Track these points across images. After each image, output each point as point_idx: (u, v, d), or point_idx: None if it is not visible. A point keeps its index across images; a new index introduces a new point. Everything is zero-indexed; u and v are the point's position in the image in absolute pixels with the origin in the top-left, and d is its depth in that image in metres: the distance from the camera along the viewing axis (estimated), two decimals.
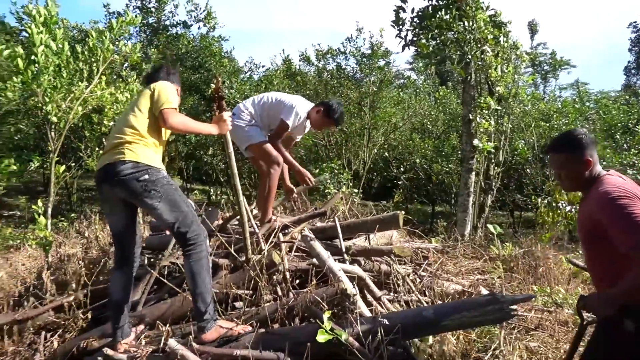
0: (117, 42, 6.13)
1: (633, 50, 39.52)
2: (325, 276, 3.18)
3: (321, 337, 2.06)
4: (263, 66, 14.64)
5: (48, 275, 4.08)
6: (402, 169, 12.97)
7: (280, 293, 3.21)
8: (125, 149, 2.68)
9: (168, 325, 2.76)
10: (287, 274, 3.27)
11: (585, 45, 78.59)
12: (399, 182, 13.20)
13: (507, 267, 6.05)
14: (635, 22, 40.00)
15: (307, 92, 12.23)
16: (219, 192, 14.77)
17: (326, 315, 2.14)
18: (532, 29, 40.74)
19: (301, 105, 4.18)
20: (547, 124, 12.12)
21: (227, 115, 3.05)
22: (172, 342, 2.48)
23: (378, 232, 4.34)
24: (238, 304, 3.14)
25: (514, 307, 2.52)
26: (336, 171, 8.46)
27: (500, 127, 9.80)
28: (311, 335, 2.37)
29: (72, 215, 8.72)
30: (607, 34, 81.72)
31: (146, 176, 2.66)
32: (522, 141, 11.51)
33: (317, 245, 3.24)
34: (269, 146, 4.13)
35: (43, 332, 3.39)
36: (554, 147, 2.26)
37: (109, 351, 2.58)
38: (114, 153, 2.69)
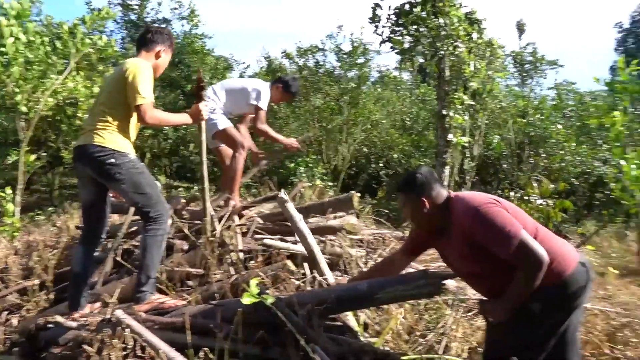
0: (92, 37, 6.25)
1: (618, 50, 40.06)
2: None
3: (246, 300, 2.20)
4: (243, 63, 14.77)
5: (14, 261, 4.21)
6: (381, 165, 13.15)
7: (232, 272, 3.35)
8: (94, 134, 2.90)
9: (115, 297, 2.88)
10: (240, 255, 3.42)
11: (575, 45, 79.36)
12: (382, 179, 13.37)
13: None
14: (620, 22, 40.64)
15: None
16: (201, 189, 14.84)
17: (254, 281, 2.28)
18: (520, 28, 41.08)
19: (264, 88, 4.44)
20: (524, 120, 12.34)
21: (203, 105, 3.20)
22: (119, 312, 2.62)
23: (337, 219, 4.51)
24: (190, 282, 3.29)
25: (445, 282, 2.66)
26: (311, 165, 8.61)
27: (475, 123, 10.01)
28: (249, 306, 2.52)
29: (50, 209, 8.79)
30: (596, 34, 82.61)
31: (112, 160, 2.87)
32: (498, 137, 11.73)
33: (291, 207, 3.39)
34: (234, 130, 4.42)
35: (3, 313, 3.52)
36: (397, 187, 2.46)
37: (58, 318, 2.71)
38: (86, 136, 2.95)
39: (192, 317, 2.57)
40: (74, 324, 2.72)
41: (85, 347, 2.50)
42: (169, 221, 3.14)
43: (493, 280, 2.26)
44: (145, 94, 2.86)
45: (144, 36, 3.21)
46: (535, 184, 7.25)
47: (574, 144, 11.23)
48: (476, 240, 2.16)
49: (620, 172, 3.90)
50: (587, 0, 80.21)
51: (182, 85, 12.09)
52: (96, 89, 6.90)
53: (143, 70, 2.92)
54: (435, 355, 2.92)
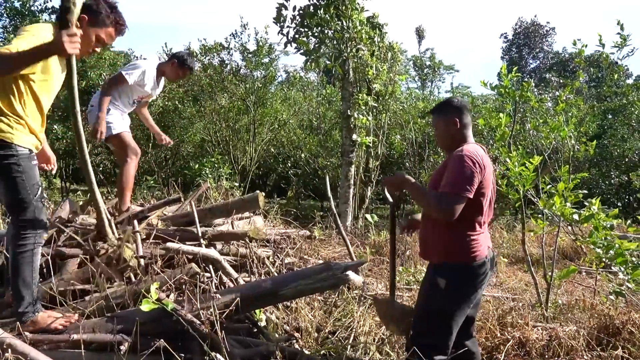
0: None
1: (504, 58, 43.75)
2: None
3: (145, 307, 2.10)
4: (144, 58, 14.06)
5: None
6: (290, 165, 13.22)
7: (133, 279, 3.17)
8: None
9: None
10: (142, 261, 3.25)
11: (470, 52, 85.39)
12: (291, 179, 13.45)
13: (375, 251, 6.47)
14: (506, 33, 44.36)
15: (193, 87, 12.00)
16: (104, 192, 13.96)
17: (154, 286, 2.18)
18: (420, 34, 43.43)
19: (146, 63, 4.25)
20: (424, 121, 13.05)
21: (68, 34, 2.24)
22: None
23: (243, 220, 4.46)
24: (87, 297, 3.05)
25: (347, 272, 2.73)
26: (217, 165, 8.42)
27: (379, 123, 10.39)
28: (152, 314, 2.40)
29: None
30: (488, 42, 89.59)
31: None
32: (398, 136, 12.29)
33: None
34: (127, 137, 4.17)
35: None
36: (432, 109, 2.68)
37: None
38: None
39: (88, 331, 2.40)
40: None
41: None
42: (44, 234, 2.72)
43: (432, 226, 2.49)
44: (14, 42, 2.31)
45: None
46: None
47: None
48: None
49: (506, 169, 4.23)
50: (480, 9, 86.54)
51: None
52: None
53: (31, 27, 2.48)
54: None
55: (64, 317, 2.65)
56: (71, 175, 14.72)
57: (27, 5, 12.39)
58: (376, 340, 3.41)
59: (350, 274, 2.82)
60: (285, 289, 2.62)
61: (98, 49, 2.80)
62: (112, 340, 2.46)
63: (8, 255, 2.70)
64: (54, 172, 3.17)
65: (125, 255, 3.14)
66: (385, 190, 2.98)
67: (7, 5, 11.91)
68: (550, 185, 4.60)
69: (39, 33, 2.42)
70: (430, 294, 2.48)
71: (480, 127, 12.93)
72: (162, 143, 4.80)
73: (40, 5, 12.93)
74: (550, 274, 4.18)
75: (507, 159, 4.24)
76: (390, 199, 2.94)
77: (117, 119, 4.13)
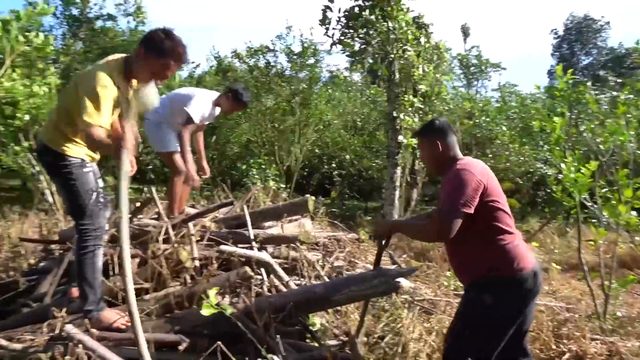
0: (27, 33, 5.94)
1: (555, 55, 42.26)
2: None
3: (205, 311, 2.18)
4: (192, 62, 14.50)
5: None
6: (334, 165, 13.25)
7: (188, 280, 3.28)
8: (44, 130, 2.85)
9: (65, 311, 2.75)
10: (197, 262, 3.36)
11: (517, 49, 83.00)
12: (335, 180, 13.48)
13: (421, 256, 6.41)
14: (556, 29, 42.83)
15: None
16: (155, 191, 14.46)
17: (212, 291, 2.25)
18: (465, 32, 42.51)
19: (203, 98, 4.37)
20: (471, 122, 12.80)
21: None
22: (70, 328, 2.51)
23: (292, 223, 4.52)
24: (147, 297, 3.18)
25: (399, 280, 2.73)
26: (263, 166, 8.56)
27: None
28: (207, 316, 2.48)
29: None
30: (536, 39, 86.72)
31: (49, 158, 2.76)
32: None
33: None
34: (176, 157, 4.35)
35: None
36: (414, 133, 2.66)
37: (2, 342, 2.57)
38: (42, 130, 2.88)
39: (149, 330, 2.50)
40: (18, 346, 2.57)
41: None
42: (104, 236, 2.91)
43: (464, 251, 2.37)
44: (91, 110, 2.50)
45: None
46: None
47: (518, 145, 11.76)
48: None
49: (560, 174, 4.10)
50: (527, 5, 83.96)
51: None
52: (36, 88, 6.58)
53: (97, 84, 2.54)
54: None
55: (126, 315, 2.78)
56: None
57: (84, 12, 12.98)
58: (426, 347, 3.38)
59: (401, 280, 2.80)
60: (337, 295, 2.64)
61: (160, 81, 2.81)
62: (171, 340, 2.57)
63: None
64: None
65: (181, 257, 3.25)
66: (374, 236, 2.83)
67: (67, 13, 12.48)
68: (606, 190, 4.44)
69: (109, 97, 2.57)
70: (471, 313, 2.36)
71: (535, 130, 12.62)
72: (201, 172, 4.69)
73: (96, 12, 13.56)
74: (608, 283, 4.02)
75: (562, 164, 4.11)
76: (381, 242, 2.81)
77: (167, 138, 4.35)
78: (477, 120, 12.61)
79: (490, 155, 11.71)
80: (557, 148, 4.29)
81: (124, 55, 2.79)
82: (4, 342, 2.59)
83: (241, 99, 4.42)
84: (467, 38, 42.35)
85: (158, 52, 2.61)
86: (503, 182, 7.96)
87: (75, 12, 13.20)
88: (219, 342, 2.37)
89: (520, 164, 11.62)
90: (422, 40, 9.41)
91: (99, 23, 13.32)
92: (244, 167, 8.76)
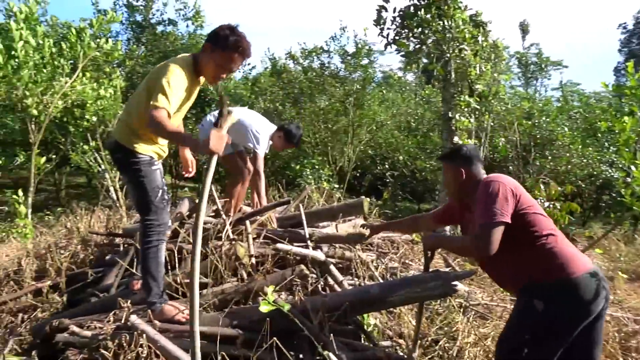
0: (98, 39, 6.30)
1: (623, 51, 39.99)
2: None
3: (264, 308, 2.22)
4: (248, 64, 14.82)
5: (27, 262, 4.24)
6: (387, 166, 13.16)
7: (245, 277, 3.36)
8: (117, 126, 2.95)
9: (130, 302, 2.89)
10: (253, 260, 3.43)
11: (579, 46, 79.22)
12: (387, 180, 13.38)
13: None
14: (625, 23, 40.55)
15: (293, 90, 12.41)
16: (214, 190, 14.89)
17: (270, 288, 2.30)
18: (524, 29, 41.07)
19: (264, 131, 4.51)
20: (530, 122, 12.34)
21: (218, 136, 2.46)
22: (134, 318, 2.65)
23: (346, 223, 4.53)
24: (204, 291, 3.29)
25: (456, 283, 2.68)
26: (317, 167, 8.63)
27: (481, 125, 10.01)
28: (264, 313, 2.53)
29: (59, 209, 8.84)
30: (601, 35, 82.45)
31: (120, 154, 2.86)
32: (503, 139, 11.73)
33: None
34: (234, 158, 4.52)
35: (20, 314, 3.55)
36: (440, 156, 2.67)
37: (74, 328, 2.73)
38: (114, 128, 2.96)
39: (207, 324, 2.59)
40: (88, 333, 2.73)
41: (103, 351, 2.52)
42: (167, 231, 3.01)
43: (501, 261, 2.28)
44: (162, 96, 2.55)
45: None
46: (542, 187, 7.26)
47: (580, 146, 11.23)
48: None
49: (629, 177, 3.89)
50: (590, 0, 79.94)
51: None
52: (102, 91, 6.96)
53: (174, 74, 2.63)
54: None
55: (186, 309, 2.88)
56: (179, 173, 15.89)
57: (147, 18, 13.58)
58: (482, 353, 3.30)
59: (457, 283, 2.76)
60: (393, 296, 2.63)
61: (224, 76, 2.88)
62: (230, 335, 2.64)
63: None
64: (189, 175, 3.46)
65: (238, 253, 3.33)
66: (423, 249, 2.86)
67: (131, 20, 13.09)
68: None
69: (180, 87, 2.66)
70: (522, 321, 2.26)
71: (601, 130, 12.01)
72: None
73: (158, 18, 14.16)
74: None
75: (632, 167, 3.90)
76: (427, 255, 2.83)
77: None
78: (537, 121, 12.16)
79: (550, 157, 11.25)
80: (626, 149, 4.07)
81: (191, 53, 2.91)
82: (76, 329, 2.76)
83: (293, 141, 4.57)
84: (526, 35, 40.96)
85: (223, 45, 2.71)
86: (564, 185, 7.61)
87: (139, 18, 13.87)
88: (275, 339, 2.43)
89: (583, 166, 11.09)
90: (480, 38, 9.16)
91: (160, 28, 13.94)
92: (298, 167, 8.87)
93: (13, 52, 5.06)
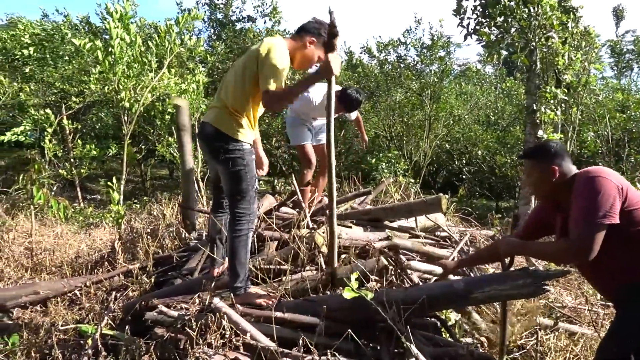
0: (183, 36, 6.63)
1: None
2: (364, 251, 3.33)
3: (347, 295, 2.21)
4: None
5: (120, 245, 4.54)
6: (464, 162, 12.72)
7: (323, 265, 3.38)
8: (214, 114, 2.89)
9: (213, 285, 3.00)
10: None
11: None
12: (463, 176, 12.96)
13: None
14: None
15: (369, 83, 12.32)
16: (282, 183, 15.19)
17: (354, 275, 2.28)
18: (618, 15, 38.03)
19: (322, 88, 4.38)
20: (624, 115, 11.41)
21: (334, 57, 2.64)
22: (217, 301, 2.74)
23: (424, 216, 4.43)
24: (283, 278, 3.34)
25: (546, 282, 2.52)
26: (393, 161, 8.52)
27: (569, 118, 9.40)
28: (344, 302, 2.53)
29: (145, 198, 9.40)
30: None
31: (221, 143, 2.83)
32: (592, 133, 10.93)
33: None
34: (308, 149, 4.57)
35: (113, 292, 3.81)
36: (523, 154, 2.43)
37: (162, 307, 2.87)
38: (207, 114, 2.97)
39: (287, 311, 2.63)
40: (175, 313, 2.86)
41: (188, 330, 2.63)
42: (256, 220, 3.07)
43: (601, 262, 2.08)
44: (271, 77, 2.63)
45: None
46: (638, 185, 6.70)
47: None
48: None
49: None
50: None
51: None
52: (185, 86, 7.29)
53: (278, 52, 2.72)
54: None
55: (268, 295, 2.94)
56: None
57: (228, 15, 14.05)
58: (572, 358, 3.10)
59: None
60: (478, 293, 2.51)
61: (314, 63, 3.01)
62: (309, 322, 2.66)
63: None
64: (263, 173, 3.50)
65: (317, 242, 3.35)
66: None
67: (212, 17, 13.60)
68: None
69: (285, 63, 2.75)
70: (623, 332, 2.06)
71: None
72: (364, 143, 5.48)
73: (237, 15, 14.62)
74: None
75: None
76: (504, 262, 2.69)
77: (301, 132, 4.58)
78: (633, 114, 11.22)
79: None
80: None
81: (285, 38, 2.98)
82: (163, 309, 2.90)
83: (342, 101, 4.25)
84: (620, 22, 37.87)
85: (314, 34, 2.89)
86: None
87: (219, 16, 14.39)
88: (351, 329, 2.41)
89: None
90: (570, 24, 8.57)
91: (239, 25, 14.36)
92: (373, 160, 8.81)
93: (110, 49, 5.46)
